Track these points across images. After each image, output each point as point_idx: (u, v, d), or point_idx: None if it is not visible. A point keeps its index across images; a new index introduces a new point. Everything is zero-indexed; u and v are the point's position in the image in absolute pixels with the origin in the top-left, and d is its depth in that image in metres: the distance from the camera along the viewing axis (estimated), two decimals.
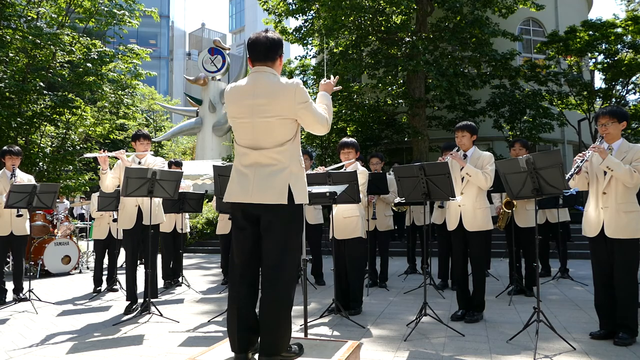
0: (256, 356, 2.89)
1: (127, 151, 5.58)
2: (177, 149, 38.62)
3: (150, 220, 5.23)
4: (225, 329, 4.66)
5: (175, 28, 79.00)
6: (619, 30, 15.54)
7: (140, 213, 5.33)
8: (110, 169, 5.34)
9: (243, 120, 2.95)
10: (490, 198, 6.31)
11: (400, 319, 4.99)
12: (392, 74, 15.56)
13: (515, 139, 8.82)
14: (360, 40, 16.02)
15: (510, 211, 6.05)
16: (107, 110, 15.62)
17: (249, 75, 3.02)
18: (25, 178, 6.29)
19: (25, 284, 6.26)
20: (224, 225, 7.36)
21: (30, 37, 11.62)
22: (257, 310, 2.94)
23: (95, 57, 12.99)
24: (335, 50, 16.39)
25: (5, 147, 6.29)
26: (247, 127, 2.94)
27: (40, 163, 12.67)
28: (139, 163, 5.49)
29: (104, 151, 5.15)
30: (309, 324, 4.17)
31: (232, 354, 2.93)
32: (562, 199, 6.86)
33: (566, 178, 3.94)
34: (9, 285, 6.27)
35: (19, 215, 6.08)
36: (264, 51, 2.96)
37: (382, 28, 15.83)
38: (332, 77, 3.39)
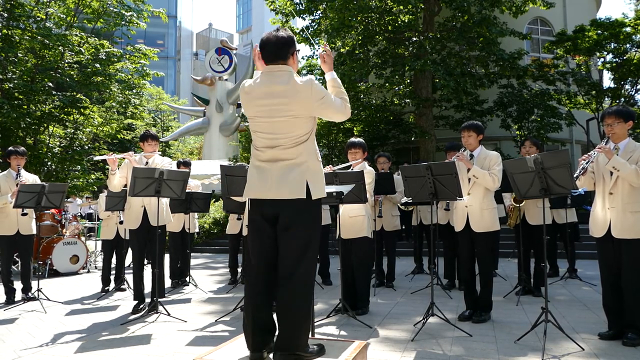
0: (271, 355, 2.88)
1: (135, 152, 5.62)
2: (185, 149, 38.73)
3: (158, 220, 5.26)
4: (233, 328, 4.70)
5: (182, 28, 79.23)
6: (628, 29, 15.44)
7: (146, 213, 5.37)
8: (118, 168, 5.38)
9: (261, 120, 2.95)
10: (501, 197, 6.27)
11: (407, 319, 4.98)
12: (399, 73, 15.52)
13: (526, 137, 8.77)
14: (367, 40, 16.00)
15: (519, 205, 6.00)
16: (114, 110, 15.70)
17: (261, 75, 2.98)
18: (30, 178, 6.29)
19: (34, 284, 6.31)
20: (233, 225, 7.39)
21: (39, 37, 11.71)
22: (273, 311, 2.94)
23: (104, 58, 13.07)
24: (342, 50, 16.37)
25: (10, 148, 6.31)
26: (265, 126, 2.94)
27: (49, 163, 12.76)
28: (146, 163, 5.52)
29: (112, 153, 5.20)
30: (316, 324, 4.17)
31: (240, 354, 2.94)
32: (570, 199, 6.82)
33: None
34: (18, 285, 6.30)
35: (24, 214, 6.13)
36: (274, 51, 2.95)
37: (390, 28, 15.79)
38: (318, 46, 3.24)
